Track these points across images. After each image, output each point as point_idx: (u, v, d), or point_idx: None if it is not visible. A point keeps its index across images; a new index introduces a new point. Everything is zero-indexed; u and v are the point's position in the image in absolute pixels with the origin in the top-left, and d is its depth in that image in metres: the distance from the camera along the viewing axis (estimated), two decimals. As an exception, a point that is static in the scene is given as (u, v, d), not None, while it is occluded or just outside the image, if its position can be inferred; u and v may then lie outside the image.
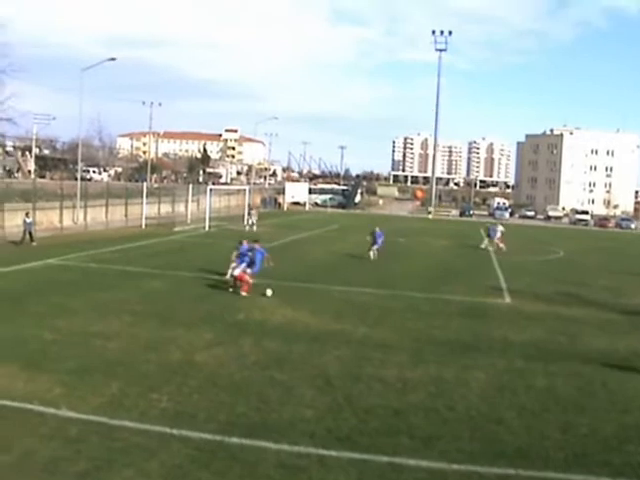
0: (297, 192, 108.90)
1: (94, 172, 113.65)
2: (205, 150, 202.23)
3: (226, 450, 11.45)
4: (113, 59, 56.98)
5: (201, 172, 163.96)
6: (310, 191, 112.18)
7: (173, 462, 10.85)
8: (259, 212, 68.39)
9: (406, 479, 10.88)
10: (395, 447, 12.04)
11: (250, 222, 58.42)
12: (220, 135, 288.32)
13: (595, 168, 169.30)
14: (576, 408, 14.92)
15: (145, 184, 61.81)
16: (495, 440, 12.71)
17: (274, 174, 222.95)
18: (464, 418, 13.81)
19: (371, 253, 40.34)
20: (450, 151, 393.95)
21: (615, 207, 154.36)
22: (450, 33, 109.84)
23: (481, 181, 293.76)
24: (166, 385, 14.60)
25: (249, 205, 64.14)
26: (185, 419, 12.69)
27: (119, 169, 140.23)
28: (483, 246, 51.67)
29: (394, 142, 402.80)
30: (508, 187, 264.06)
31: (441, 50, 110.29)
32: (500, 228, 52.83)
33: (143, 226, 52.47)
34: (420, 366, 17.52)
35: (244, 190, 77.34)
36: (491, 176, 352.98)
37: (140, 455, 11.00)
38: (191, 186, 68.08)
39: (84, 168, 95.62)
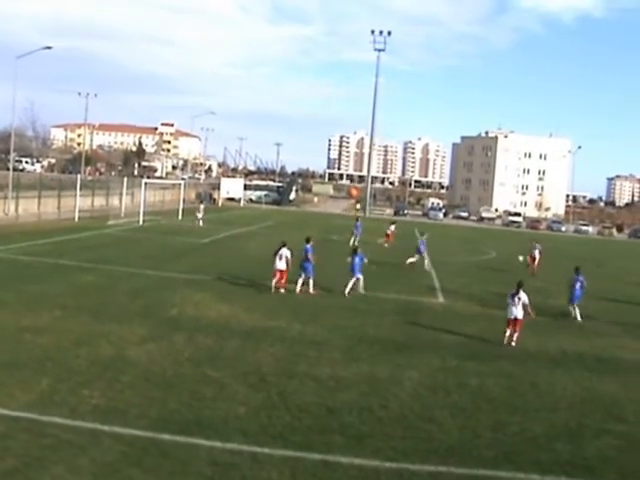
0: (232, 188, 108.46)
1: (27, 163, 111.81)
2: (140, 143, 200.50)
3: (158, 447, 11.35)
4: (49, 47, 56.16)
5: (136, 165, 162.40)
6: (245, 187, 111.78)
7: (104, 459, 10.72)
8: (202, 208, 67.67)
9: (339, 477, 10.93)
10: (328, 445, 12.09)
11: (198, 217, 57.32)
12: (156, 129, 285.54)
13: (528, 171, 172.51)
14: (507, 407, 15.19)
15: (79, 176, 60.80)
16: (427, 438, 12.85)
17: (209, 169, 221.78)
18: (397, 417, 13.93)
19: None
20: (386, 150, 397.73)
21: (547, 210, 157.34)
22: (389, 33, 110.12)
23: (416, 181, 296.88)
24: (97, 381, 14.40)
25: (200, 200, 63.29)
26: (117, 415, 12.53)
27: (53, 160, 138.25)
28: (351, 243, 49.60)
29: (330, 140, 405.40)
30: (443, 187, 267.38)
31: (380, 50, 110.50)
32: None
33: (76, 219, 51.59)
34: (353, 364, 17.61)
35: (179, 185, 76.67)
36: (426, 176, 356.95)
37: (70, 452, 10.84)
38: (126, 179, 67.03)
39: (16, 158, 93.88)
